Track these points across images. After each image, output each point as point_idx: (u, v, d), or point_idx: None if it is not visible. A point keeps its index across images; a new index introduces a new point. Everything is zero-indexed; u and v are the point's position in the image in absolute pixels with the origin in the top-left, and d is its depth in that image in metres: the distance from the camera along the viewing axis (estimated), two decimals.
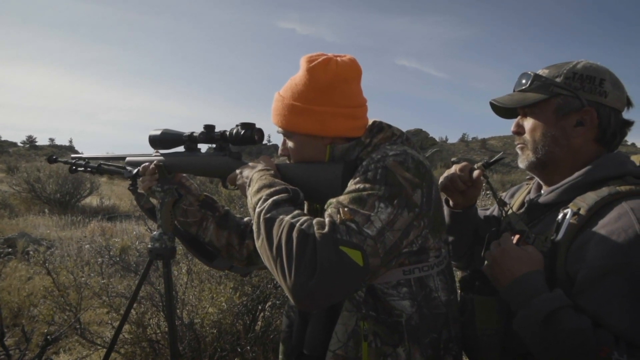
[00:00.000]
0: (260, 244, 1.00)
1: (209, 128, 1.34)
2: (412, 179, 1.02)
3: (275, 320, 3.66)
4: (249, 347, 3.28)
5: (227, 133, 1.31)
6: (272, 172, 1.17)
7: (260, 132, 1.29)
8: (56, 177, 11.47)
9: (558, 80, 1.15)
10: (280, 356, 1.26)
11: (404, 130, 1.21)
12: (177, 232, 1.48)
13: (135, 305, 3.37)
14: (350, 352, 1.06)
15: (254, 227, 1.03)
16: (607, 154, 1.15)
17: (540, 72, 1.20)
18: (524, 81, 1.21)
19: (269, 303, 3.65)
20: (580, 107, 1.13)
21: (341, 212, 0.96)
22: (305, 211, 1.29)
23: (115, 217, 10.29)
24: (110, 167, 1.60)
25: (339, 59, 1.15)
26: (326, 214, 0.98)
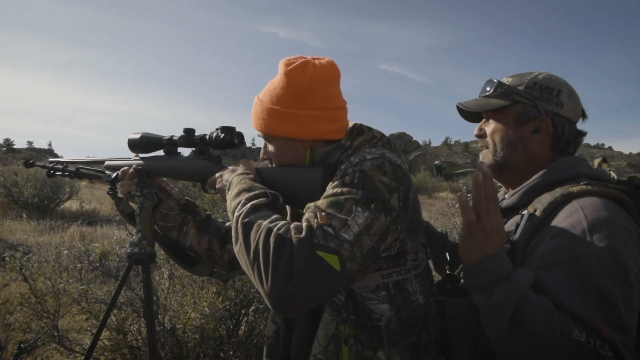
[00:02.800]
0: (238, 248, 0.99)
1: (189, 132, 1.33)
2: (389, 183, 1.02)
3: (259, 325, 3.63)
4: (232, 352, 3.25)
5: (207, 137, 1.31)
6: (251, 176, 1.16)
7: (240, 136, 1.28)
8: (34, 181, 11.23)
9: (520, 88, 1.22)
10: None
11: (388, 133, 1.21)
12: (157, 237, 1.46)
13: (115, 311, 3.31)
14: (331, 356, 1.06)
15: (232, 232, 1.03)
16: (562, 157, 1.21)
17: (504, 80, 1.26)
18: (488, 88, 1.27)
19: (253, 307, 3.62)
20: (537, 115, 1.20)
21: (318, 216, 0.95)
22: (289, 215, 1.29)
23: (95, 222, 10.12)
24: (88, 172, 1.57)
25: (316, 61, 1.15)
26: (304, 218, 0.98)
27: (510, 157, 1.23)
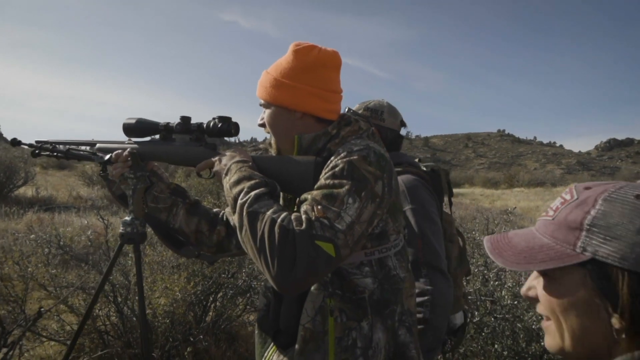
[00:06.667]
0: (243, 234, 1.09)
1: (186, 119, 1.39)
2: (374, 171, 1.14)
3: (227, 311, 3.70)
4: (201, 337, 3.31)
5: (204, 125, 1.37)
6: (250, 164, 1.25)
7: (236, 126, 1.36)
8: None
9: (360, 111, 1.85)
10: (256, 335, 1.34)
11: None
12: (147, 219, 1.51)
13: (84, 295, 3.31)
14: (318, 326, 1.17)
15: (236, 218, 1.12)
16: (390, 152, 1.74)
17: (354, 107, 1.88)
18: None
19: (220, 294, 3.69)
20: (369, 127, 1.72)
21: (315, 209, 1.07)
22: (281, 199, 1.38)
23: (53, 208, 9.82)
24: (79, 153, 1.58)
25: (322, 47, 1.29)
26: (302, 210, 1.09)
27: None
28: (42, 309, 1.76)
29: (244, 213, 1.09)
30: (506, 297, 2.54)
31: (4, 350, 1.62)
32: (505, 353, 2.37)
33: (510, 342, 2.44)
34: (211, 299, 3.64)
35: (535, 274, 0.75)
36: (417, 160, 1.96)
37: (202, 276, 3.54)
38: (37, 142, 1.61)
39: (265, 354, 1.28)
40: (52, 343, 3.29)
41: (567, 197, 0.72)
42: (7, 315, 2.96)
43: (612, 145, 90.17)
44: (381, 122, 1.84)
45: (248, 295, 3.77)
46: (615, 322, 0.62)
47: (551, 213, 0.73)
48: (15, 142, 1.60)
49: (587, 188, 0.70)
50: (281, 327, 1.24)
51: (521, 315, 2.57)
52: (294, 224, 1.04)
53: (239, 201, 1.12)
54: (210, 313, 3.65)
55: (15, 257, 3.08)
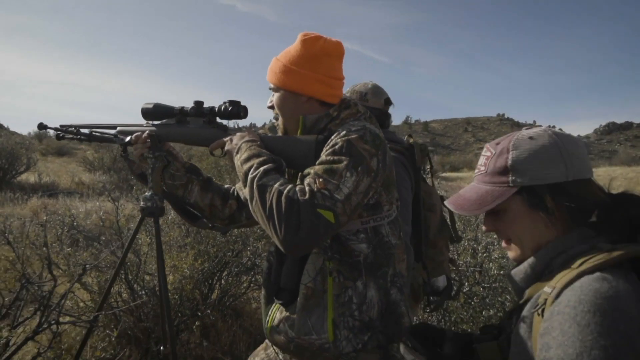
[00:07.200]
0: (254, 205, 1.24)
1: (199, 103, 1.54)
2: (370, 149, 1.29)
3: (232, 288, 3.88)
4: (209, 311, 3.50)
5: (216, 109, 1.52)
6: (258, 143, 1.40)
7: (245, 109, 1.51)
8: None
9: (348, 94, 2.00)
10: (262, 295, 1.49)
11: None
12: (165, 195, 1.66)
13: (97, 274, 3.48)
14: (319, 285, 1.33)
15: (247, 191, 1.26)
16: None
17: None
18: None
19: (226, 272, 3.87)
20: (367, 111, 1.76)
21: (317, 182, 1.21)
22: (285, 174, 1.54)
23: (56, 194, 9.97)
24: (101, 135, 1.72)
25: (328, 38, 1.43)
26: (305, 182, 1.23)
27: None
28: (87, 266, 1.91)
29: (254, 186, 1.24)
30: (493, 267, 2.73)
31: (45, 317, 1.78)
32: (494, 320, 2.56)
33: (500, 313, 2.63)
34: (216, 277, 3.81)
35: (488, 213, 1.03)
36: (406, 137, 2.13)
37: (208, 256, 3.72)
38: (61, 126, 1.76)
39: (269, 312, 1.44)
40: (67, 318, 3.48)
41: (488, 153, 1.00)
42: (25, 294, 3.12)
43: (611, 128, 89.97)
44: (365, 102, 2.02)
45: (252, 273, 3.94)
46: (550, 219, 0.94)
47: (482, 168, 1.01)
48: (42, 127, 1.75)
49: (497, 144, 0.99)
50: (282, 286, 1.40)
51: (509, 287, 2.76)
52: (299, 194, 1.18)
53: (250, 176, 1.27)
54: (216, 291, 3.83)
55: (31, 236, 3.24)
